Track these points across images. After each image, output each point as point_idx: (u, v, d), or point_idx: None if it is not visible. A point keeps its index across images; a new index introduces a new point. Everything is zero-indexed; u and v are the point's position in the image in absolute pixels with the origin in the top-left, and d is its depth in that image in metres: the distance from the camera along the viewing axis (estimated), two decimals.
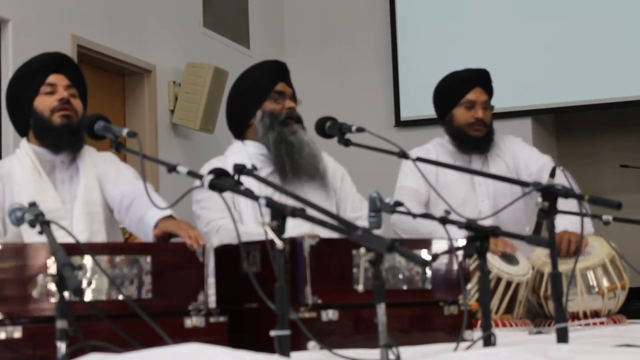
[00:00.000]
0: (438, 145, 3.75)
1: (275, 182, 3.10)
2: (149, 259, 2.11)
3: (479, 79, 3.69)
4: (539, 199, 2.08)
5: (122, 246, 2.15)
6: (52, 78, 2.92)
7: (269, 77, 3.24)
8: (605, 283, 2.97)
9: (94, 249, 2.11)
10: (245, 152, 3.22)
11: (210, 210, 3.04)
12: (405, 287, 2.31)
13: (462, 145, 3.67)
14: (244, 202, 3.07)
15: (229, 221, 2.92)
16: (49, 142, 2.92)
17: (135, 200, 2.73)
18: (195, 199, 3.13)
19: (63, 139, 2.88)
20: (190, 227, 2.39)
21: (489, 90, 3.70)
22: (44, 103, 2.90)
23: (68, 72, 2.96)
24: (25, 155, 2.94)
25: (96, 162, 2.98)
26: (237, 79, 3.33)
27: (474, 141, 3.64)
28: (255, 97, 3.23)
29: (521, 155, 3.71)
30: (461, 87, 3.66)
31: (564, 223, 3.04)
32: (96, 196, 2.92)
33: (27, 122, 2.96)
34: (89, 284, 2.02)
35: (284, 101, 3.21)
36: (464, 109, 3.64)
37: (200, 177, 1.94)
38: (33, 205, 1.87)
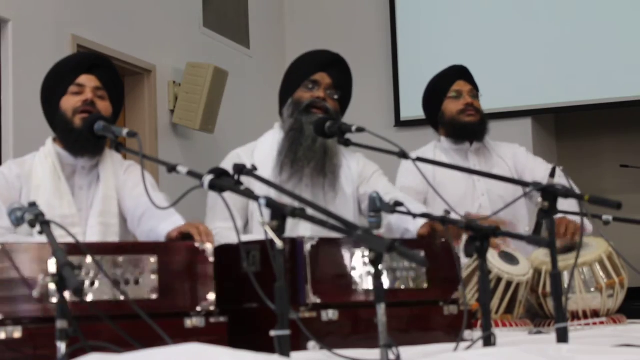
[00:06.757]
0: (435, 146, 3.80)
1: (282, 169, 3.08)
2: (154, 259, 2.11)
3: (459, 73, 3.79)
4: (539, 199, 2.08)
5: (127, 246, 2.15)
6: (82, 79, 2.87)
7: (307, 66, 3.21)
8: (603, 279, 2.96)
9: (98, 249, 2.09)
10: (275, 139, 3.18)
11: (215, 213, 3.00)
12: (403, 287, 2.31)
13: (458, 135, 3.70)
14: (255, 205, 3.03)
15: (227, 228, 2.90)
16: (69, 144, 2.87)
17: (148, 210, 2.68)
18: (207, 206, 3.11)
19: (82, 142, 2.81)
20: (200, 224, 2.36)
21: (472, 84, 3.78)
22: (68, 103, 2.85)
23: (100, 74, 2.91)
24: (48, 155, 2.89)
25: (118, 171, 2.94)
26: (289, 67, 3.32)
27: (469, 127, 3.67)
28: (290, 85, 3.21)
29: (527, 162, 3.73)
30: (444, 82, 3.76)
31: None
32: (113, 208, 2.88)
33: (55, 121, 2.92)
34: (92, 284, 2.02)
35: (317, 90, 3.15)
36: (451, 100, 3.72)
37: (200, 177, 1.94)
38: (33, 205, 1.86)
